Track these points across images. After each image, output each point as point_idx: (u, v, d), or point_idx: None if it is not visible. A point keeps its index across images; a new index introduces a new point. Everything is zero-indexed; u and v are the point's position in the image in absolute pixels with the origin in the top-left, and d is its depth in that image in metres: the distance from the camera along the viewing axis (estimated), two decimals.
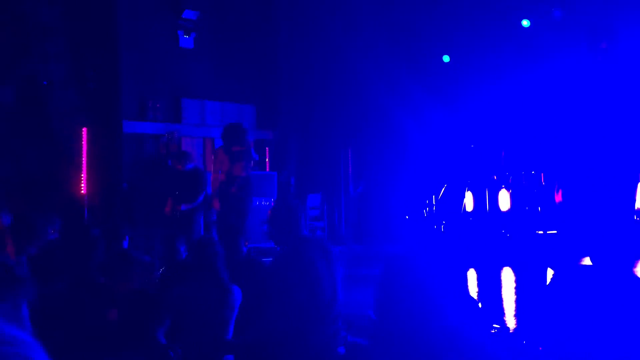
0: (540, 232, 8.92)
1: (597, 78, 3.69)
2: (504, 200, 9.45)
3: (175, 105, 11.45)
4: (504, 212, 9.45)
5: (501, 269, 7.50)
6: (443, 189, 10.39)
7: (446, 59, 10.88)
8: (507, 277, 7.15)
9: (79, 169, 8.42)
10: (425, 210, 10.20)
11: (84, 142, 8.47)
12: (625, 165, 3.76)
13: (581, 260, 6.79)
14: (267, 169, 11.52)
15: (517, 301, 5.52)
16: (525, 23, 9.67)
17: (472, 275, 7.29)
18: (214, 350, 3.17)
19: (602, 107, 3.80)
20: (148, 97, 10.82)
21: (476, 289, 6.54)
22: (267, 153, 11.98)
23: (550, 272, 6.85)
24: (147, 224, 6.82)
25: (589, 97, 3.88)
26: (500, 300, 5.80)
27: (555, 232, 8.63)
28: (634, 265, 4.02)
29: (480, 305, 4.27)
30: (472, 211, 9.95)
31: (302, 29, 11.89)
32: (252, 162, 6.82)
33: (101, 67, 9.10)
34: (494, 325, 4.24)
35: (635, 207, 8.38)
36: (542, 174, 9.39)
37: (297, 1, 11.91)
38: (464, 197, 10.01)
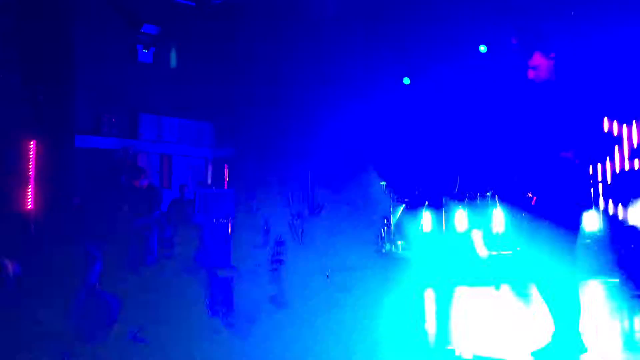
0: (495, 252, 9.06)
1: (541, 109, 3.78)
2: (461, 221, 9.58)
3: (132, 120, 11.23)
4: (460, 233, 9.57)
5: (455, 288, 7.55)
6: (401, 209, 10.45)
7: (406, 81, 11.04)
8: (462, 296, 7.19)
9: (26, 183, 8.11)
10: (384, 230, 10.21)
11: (33, 155, 8.18)
12: (575, 192, 3.82)
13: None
14: (226, 187, 11.35)
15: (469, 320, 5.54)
16: (483, 49, 9.91)
17: (430, 294, 7.30)
18: None
19: (549, 135, 3.86)
20: (104, 111, 10.58)
21: (433, 307, 6.55)
22: (225, 171, 11.84)
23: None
24: (98, 239, 6.59)
25: (537, 124, 3.95)
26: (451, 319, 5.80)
27: (510, 252, 8.78)
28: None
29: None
30: (429, 231, 10.04)
31: (263, 49, 11.88)
32: None
33: (55, 78, 8.85)
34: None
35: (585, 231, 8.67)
36: (496, 196, 9.57)
37: (259, 20, 11.90)
38: (422, 217, 10.11)
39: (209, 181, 12.19)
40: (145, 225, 6.05)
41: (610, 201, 9.28)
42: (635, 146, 9.43)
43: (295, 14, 11.15)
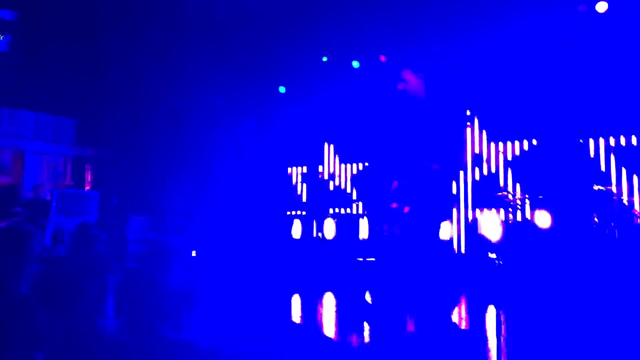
0: (361, 259, 9.52)
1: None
2: (330, 228, 9.94)
3: None
4: (329, 240, 9.93)
5: (324, 294, 7.80)
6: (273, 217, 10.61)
7: (282, 89, 11.24)
8: (329, 302, 7.45)
9: None
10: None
11: None
12: (437, 199, 4.13)
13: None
14: (87, 188, 10.71)
15: (338, 325, 5.78)
16: (355, 64, 10.42)
17: (296, 300, 7.46)
18: None
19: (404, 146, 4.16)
20: None
21: (300, 314, 6.71)
22: (87, 171, 11.16)
23: (368, 296, 7.31)
24: None
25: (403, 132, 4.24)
26: (321, 325, 6.01)
27: (374, 259, 9.27)
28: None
29: None
30: (299, 238, 10.30)
31: (132, 44, 11.38)
32: None
33: None
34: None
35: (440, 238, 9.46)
36: (362, 203, 10.09)
37: (128, 13, 11.38)
38: (293, 224, 10.34)
39: (68, 181, 11.39)
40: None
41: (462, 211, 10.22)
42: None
43: (171, 15, 10.87)
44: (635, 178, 8.40)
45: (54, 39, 11.03)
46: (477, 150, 9.81)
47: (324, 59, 10.25)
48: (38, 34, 10.97)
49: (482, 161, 9.71)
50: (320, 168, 11.06)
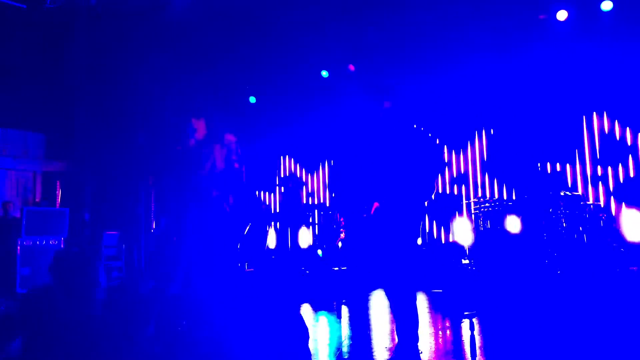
0: (336, 268, 9.57)
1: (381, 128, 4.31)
2: (305, 238, 9.95)
3: None
4: (304, 249, 9.94)
5: (300, 305, 7.81)
6: (248, 227, 10.55)
7: (252, 99, 11.25)
8: (306, 313, 7.46)
9: None
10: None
11: None
12: (411, 205, 4.23)
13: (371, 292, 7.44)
14: (58, 205, 10.54)
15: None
16: (324, 73, 10.48)
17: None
18: None
19: (386, 153, 4.31)
20: None
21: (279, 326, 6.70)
22: (57, 187, 10.98)
23: (344, 308, 7.36)
24: None
25: (373, 143, 4.40)
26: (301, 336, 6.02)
27: (345, 268, 9.34)
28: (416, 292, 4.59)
29: None
30: (274, 248, 10.29)
31: (100, 53, 11.22)
32: None
33: None
34: None
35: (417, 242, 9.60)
36: (337, 214, 10.12)
37: (98, 24, 11.22)
38: (267, 234, 10.32)
39: (38, 197, 11.21)
40: None
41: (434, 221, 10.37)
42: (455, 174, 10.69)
43: (140, 24, 10.75)
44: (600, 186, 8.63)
45: (20, 51, 10.85)
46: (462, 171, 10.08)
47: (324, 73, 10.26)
48: (3, 46, 10.77)
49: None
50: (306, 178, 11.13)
